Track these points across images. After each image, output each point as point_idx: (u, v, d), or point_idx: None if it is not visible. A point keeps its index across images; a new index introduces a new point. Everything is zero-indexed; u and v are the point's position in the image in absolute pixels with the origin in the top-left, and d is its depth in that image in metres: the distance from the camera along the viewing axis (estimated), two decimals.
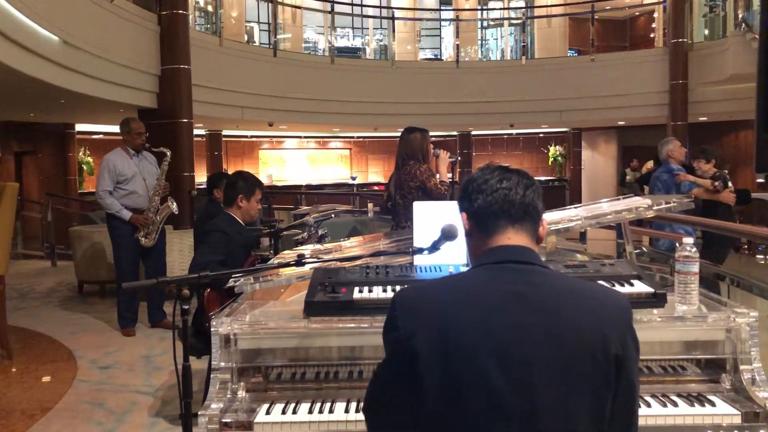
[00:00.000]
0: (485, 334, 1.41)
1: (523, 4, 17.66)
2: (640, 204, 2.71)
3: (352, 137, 18.18)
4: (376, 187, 17.21)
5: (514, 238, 1.56)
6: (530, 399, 1.38)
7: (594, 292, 1.53)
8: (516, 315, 1.42)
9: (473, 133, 17.15)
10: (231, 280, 2.44)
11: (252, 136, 17.29)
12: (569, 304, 1.46)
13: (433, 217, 2.46)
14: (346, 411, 2.04)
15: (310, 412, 2.04)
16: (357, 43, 17.51)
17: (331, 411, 2.04)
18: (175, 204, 5.90)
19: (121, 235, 5.84)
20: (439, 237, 2.16)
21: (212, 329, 2.13)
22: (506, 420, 1.38)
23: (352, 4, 14.80)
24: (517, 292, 1.46)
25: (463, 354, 1.40)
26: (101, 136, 14.33)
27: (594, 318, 1.44)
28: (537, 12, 17.26)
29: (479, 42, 17.37)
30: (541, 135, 18.48)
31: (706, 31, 13.42)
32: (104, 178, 5.76)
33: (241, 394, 2.13)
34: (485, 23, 17.66)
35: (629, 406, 1.49)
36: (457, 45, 15.07)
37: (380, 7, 16.78)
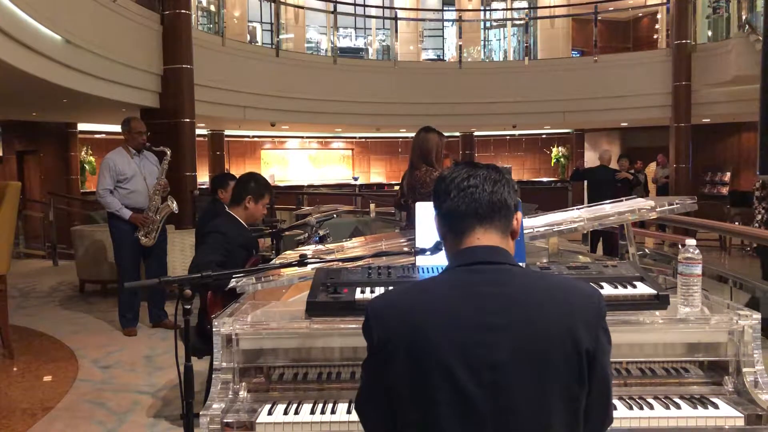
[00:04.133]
0: (453, 337, 1.41)
1: (526, 5, 17.67)
2: (642, 205, 2.71)
3: (354, 137, 18.18)
4: (386, 188, 17.19)
5: (483, 238, 1.54)
6: (501, 399, 1.38)
7: (563, 288, 1.51)
8: (483, 316, 1.42)
9: (476, 133, 17.14)
10: (232, 281, 2.44)
11: (254, 136, 17.30)
12: (538, 301, 1.45)
13: None
14: (348, 411, 2.03)
15: (312, 412, 2.04)
16: (359, 43, 17.53)
17: (333, 411, 2.04)
18: (175, 203, 5.90)
19: (121, 234, 5.84)
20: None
21: (214, 329, 2.13)
22: (478, 421, 1.38)
23: (354, 5, 14.79)
24: (484, 293, 1.45)
25: (431, 359, 1.40)
26: (103, 135, 14.35)
27: (563, 314, 1.43)
28: (540, 13, 17.27)
29: (482, 42, 17.37)
30: (544, 136, 18.47)
31: (710, 33, 13.40)
32: (104, 177, 5.77)
33: (243, 394, 2.13)
34: (488, 24, 17.67)
35: (604, 401, 1.49)
36: (460, 45, 15.06)
37: (383, 7, 16.78)
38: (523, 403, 1.38)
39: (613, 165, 10.52)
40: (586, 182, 10.42)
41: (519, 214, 1.61)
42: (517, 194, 1.62)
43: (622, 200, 2.86)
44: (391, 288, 2.23)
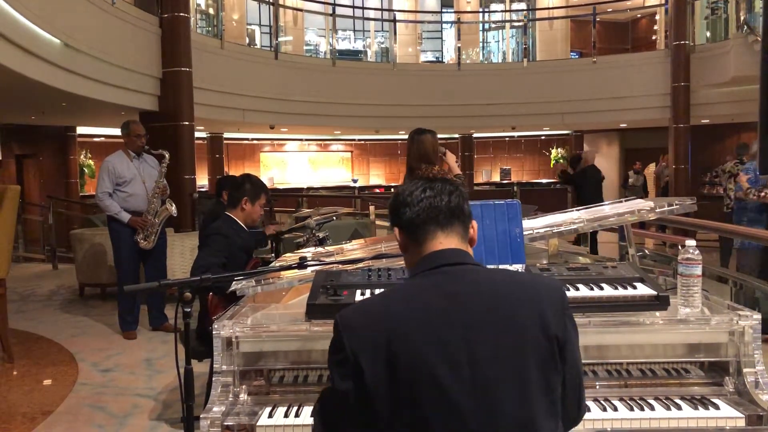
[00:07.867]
0: (428, 339, 1.43)
1: (524, 6, 17.68)
2: (642, 206, 2.71)
3: (354, 140, 18.18)
4: (377, 190, 17.22)
5: (444, 242, 1.60)
6: (484, 393, 1.41)
7: (528, 281, 1.60)
8: (456, 315, 1.46)
9: (475, 135, 17.15)
10: (233, 284, 2.44)
11: (253, 139, 17.30)
12: (506, 296, 1.51)
13: None
14: None
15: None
16: (358, 45, 17.53)
17: None
18: (174, 206, 5.90)
19: (121, 237, 5.83)
20: None
21: (214, 332, 2.12)
22: (463, 418, 1.40)
23: (353, 7, 14.82)
24: (455, 292, 1.49)
25: (409, 362, 1.42)
26: (102, 138, 14.35)
27: (531, 305, 1.49)
28: (538, 14, 17.28)
29: (481, 44, 17.39)
30: (543, 137, 18.48)
31: (708, 33, 13.43)
32: (104, 180, 5.77)
33: (243, 397, 2.13)
34: (487, 25, 17.68)
35: (577, 383, 1.56)
36: (459, 47, 15.08)
37: (381, 9, 16.79)
38: (506, 396, 1.42)
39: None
40: (575, 186, 10.20)
41: (475, 223, 1.69)
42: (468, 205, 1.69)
43: (621, 201, 2.86)
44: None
